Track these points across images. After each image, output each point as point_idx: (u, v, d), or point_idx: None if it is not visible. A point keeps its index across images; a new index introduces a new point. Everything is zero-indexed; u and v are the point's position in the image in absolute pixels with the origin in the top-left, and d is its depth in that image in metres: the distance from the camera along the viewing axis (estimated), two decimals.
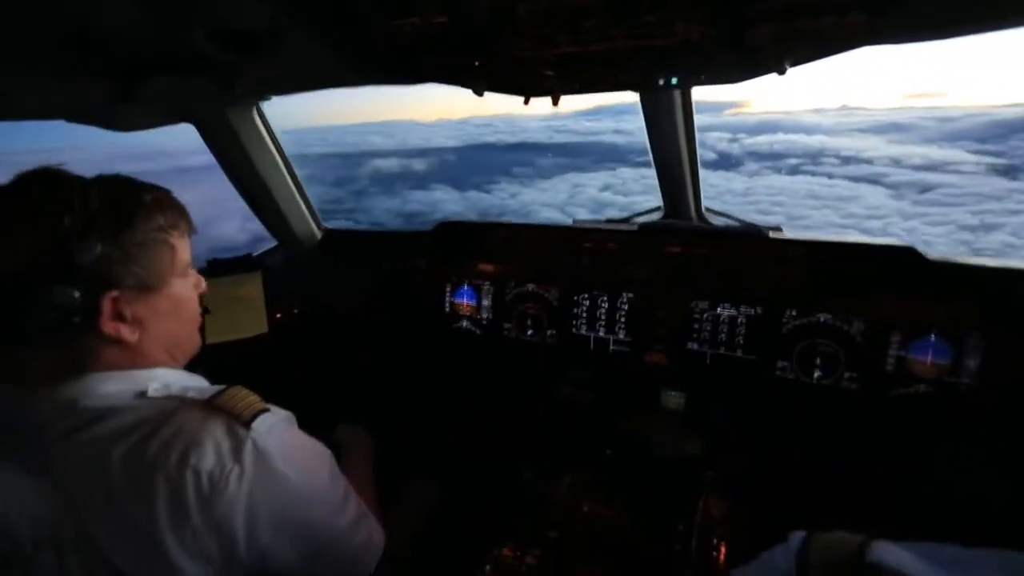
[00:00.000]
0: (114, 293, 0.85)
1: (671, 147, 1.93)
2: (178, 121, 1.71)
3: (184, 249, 0.97)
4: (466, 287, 2.16)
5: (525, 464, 1.78)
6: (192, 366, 1.06)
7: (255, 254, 2.26)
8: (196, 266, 1.05)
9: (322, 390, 2.08)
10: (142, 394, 0.87)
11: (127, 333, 0.88)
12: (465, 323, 2.17)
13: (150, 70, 1.22)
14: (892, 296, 1.58)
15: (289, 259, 2.35)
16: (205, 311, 1.08)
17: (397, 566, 1.27)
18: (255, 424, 0.87)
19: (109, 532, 0.81)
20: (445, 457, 1.73)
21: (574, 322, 1.98)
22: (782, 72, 1.14)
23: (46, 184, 0.84)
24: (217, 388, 0.92)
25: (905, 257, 1.57)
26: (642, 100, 1.82)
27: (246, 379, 0.97)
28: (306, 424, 1.06)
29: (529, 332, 2.07)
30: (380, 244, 2.34)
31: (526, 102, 1.33)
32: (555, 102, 1.31)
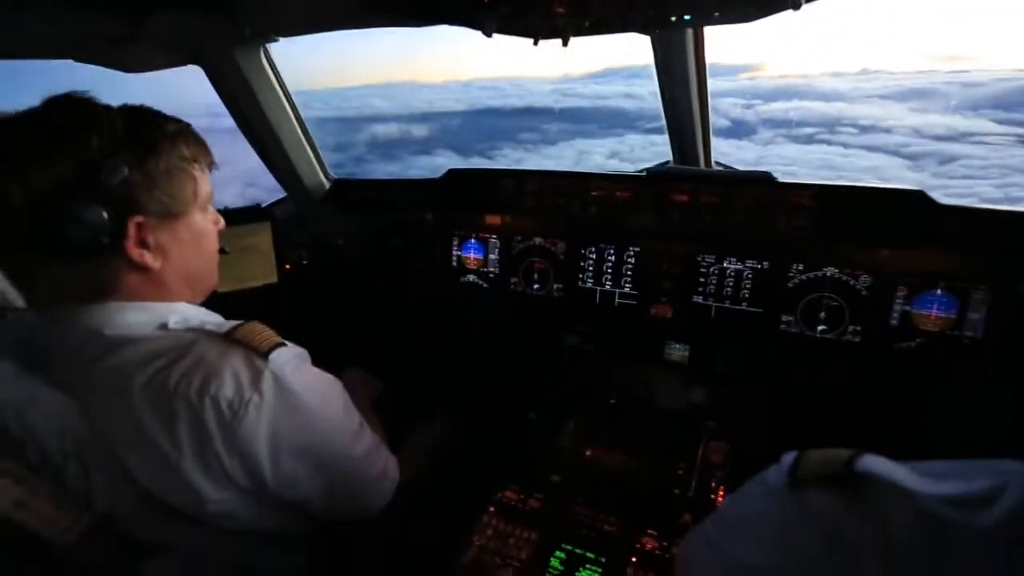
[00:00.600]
0: (139, 218, 0.87)
1: (682, 95, 1.90)
2: (186, 62, 1.69)
3: (205, 183, 1.00)
4: (473, 240, 2.18)
5: (531, 410, 1.83)
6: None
7: (264, 205, 2.28)
8: None
9: (331, 338, 2.13)
10: (163, 326, 0.91)
11: (150, 259, 0.90)
12: (472, 277, 2.20)
13: (155, 5, 1.21)
14: (900, 247, 1.58)
15: (298, 210, 2.36)
16: (223, 251, 1.11)
17: (403, 501, 1.32)
18: (273, 356, 0.90)
19: (134, 454, 0.86)
20: (453, 401, 1.77)
21: (580, 275, 2.00)
22: (797, 7, 1.12)
23: (75, 107, 0.85)
24: (235, 322, 0.95)
25: (915, 201, 1.56)
26: (653, 47, 1.79)
27: None
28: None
29: (535, 286, 2.09)
30: (389, 193, 2.34)
31: (535, 43, 1.31)
32: (565, 43, 1.29)
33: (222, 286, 1.84)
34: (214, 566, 1.00)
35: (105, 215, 0.83)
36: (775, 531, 0.66)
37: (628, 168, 2.16)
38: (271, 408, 0.89)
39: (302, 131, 2.15)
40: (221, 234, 1.10)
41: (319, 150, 2.28)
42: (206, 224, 1.02)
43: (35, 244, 0.81)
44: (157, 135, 0.90)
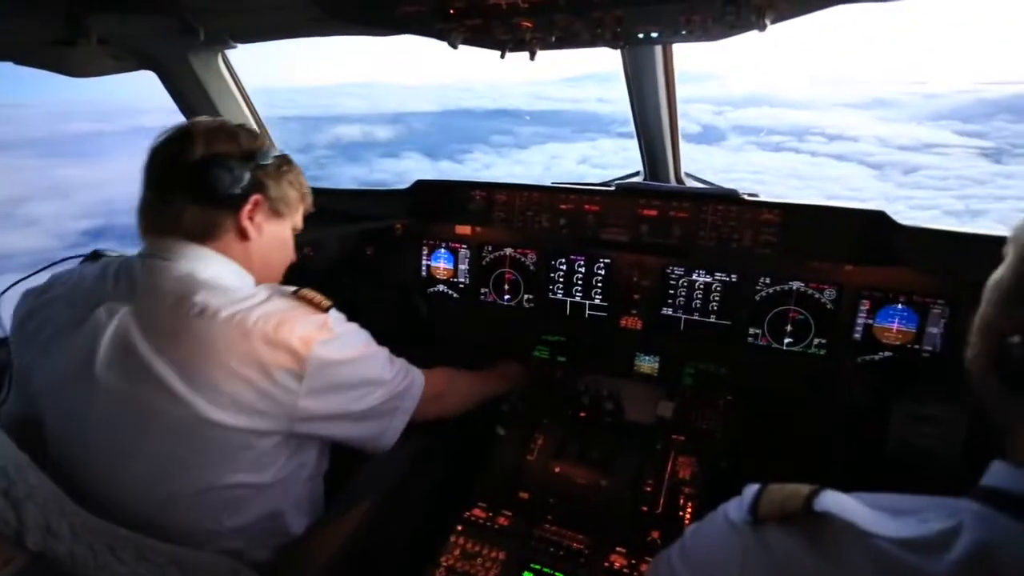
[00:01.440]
0: (259, 197, 1.19)
1: (652, 109, 1.92)
2: (136, 68, 1.63)
3: (300, 213, 1.34)
4: (443, 250, 2.15)
5: (498, 425, 1.81)
6: None
7: None
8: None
9: None
10: (243, 279, 1.18)
11: (252, 231, 1.19)
12: (441, 287, 2.17)
13: (99, 6, 1.16)
14: (863, 263, 1.62)
15: None
16: (301, 262, 1.43)
17: (371, 517, 1.34)
18: (331, 312, 1.16)
19: (207, 374, 1.01)
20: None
21: (551, 287, 2.00)
22: (762, 29, 1.14)
23: (250, 129, 1.27)
24: (295, 287, 1.18)
25: (877, 221, 1.60)
26: (623, 59, 1.80)
27: None
28: None
29: (506, 297, 2.08)
30: (357, 203, 2.30)
31: (502, 56, 1.30)
32: (532, 56, 1.29)
33: None
34: None
35: (248, 175, 1.16)
36: (737, 570, 0.66)
37: (598, 174, 2.16)
38: (336, 343, 1.13)
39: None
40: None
41: None
42: (289, 236, 1.33)
43: (189, 184, 1.11)
44: (292, 164, 1.30)
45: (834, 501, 0.63)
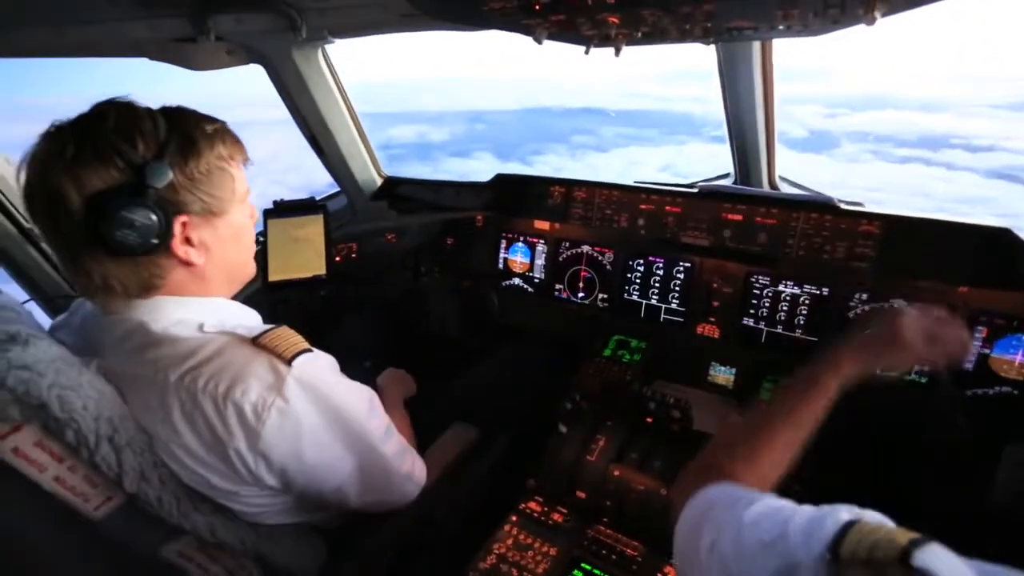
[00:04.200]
0: (184, 217, 0.95)
1: (746, 108, 1.85)
2: (248, 62, 1.84)
3: (242, 178, 1.06)
4: (520, 243, 2.20)
5: (562, 422, 1.82)
6: (256, 303, 1.17)
7: (319, 198, 2.39)
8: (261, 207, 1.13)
9: (372, 333, 2.21)
10: (200, 327, 0.99)
11: (195, 256, 0.98)
12: (517, 280, 2.22)
13: (218, 6, 1.33)
14: (982, 285, 1.47)
15: (351, 204, 2.47)
16: (258, 242, 1.17)
17: (426, 499, 1.36)
18: (296, 362, 0.96)
19: (163, 443, 0.95)
20: (484, 406, 1.80)
21: (627, 287, 1.98)
22: (871, 23, 1.07)
23: (120, 112, 0.92)
24: (266, 327, 1.02)
25: (1000, 240, 1.44)
26: (717, 54, 1.75)
27: (303, 318, 1.06)
28: (352, 365, 1.15)
29: (580, 295, 2.09)
30: (438, 193, 2.41)
31: (587, 51, 1.31)
32: (617, 52, 1.29)
33: (273, 275, 1.98)
34: (231, 552, 1.08)
35: (154, 217, 0.90)
36: None
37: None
38: (296, 411, 0.96)
39: (356, 128, 2.25)
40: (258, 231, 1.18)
41: (372, 147, 2.37)
42: (244, 218, 1.08)
43: (90, 242, 0.89)
44: (197, 136, 0.96)
45: (940, 560, 0.52)
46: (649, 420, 1.78)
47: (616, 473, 1.63)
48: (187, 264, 0.98)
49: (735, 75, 1.76)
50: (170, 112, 0.97)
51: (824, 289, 1.66)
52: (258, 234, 2.04)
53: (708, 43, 1.33)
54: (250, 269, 1.15)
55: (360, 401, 1.12)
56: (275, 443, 0.96)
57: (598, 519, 1.55)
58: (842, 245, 1.60)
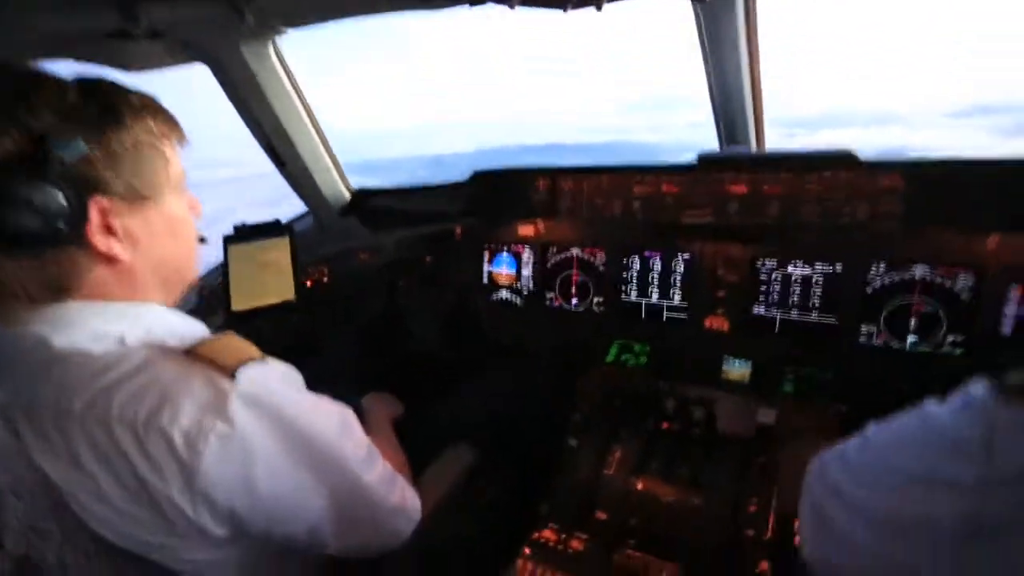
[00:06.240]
0: (103, 200, 0.77)
1: (732, 72, 1.74)
2: (191, 60, 1.66)
3: (177, 162, 0.89)
4: (505, 254, 2.07)
5: (571, 436, 1.66)
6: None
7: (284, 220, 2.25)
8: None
9: (352, 357, 2.03)
10: (121, 339, 0.79)
11: (119, 249, 0.80)
12: (504, 293, 2.09)
13: None
14: (1012, 232, 1.37)
15: (318, 222, 2.33)
16: (203, 240, 1.00)
17: (422, 540, 1.17)
18: (242, 374, 0.78)
19: (74, 491, 0.74)
20: (481, 426, 1.64)
21: (623, 288, 1.86)
22: None
23: (20, 77, 0.75)
24: (203, 336, 0.84)
25: None
26: (697, 17, 1.64)
27: (276, 350, 0.89)
28: (333, 392, 0.98)
29: (574, 301, 1.96)
30: (412, 201, 2.28)
31: (565, 10, 1.22)
32: (599, 7, 1.20)
33: (237, 305, 1.82)
34: None
35: (62, 197, 0.72)
36: (979, 442, 0.57)
37: None
38: (240, 438, 0.76)
39: (319, 137, 2.10)
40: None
41: (337, 157, 2.23)
42: (181, 209, 0.90)
43: None
44: (119, 105, 0.80)
45: None
46: (667, 425, 1.64)
47: (639, 486, 1.48)
48: (109, 260, 0.80)
49: (718, 34, 1.66)
50: (85, 79, 0.81)
51: (836, 265, 1.56)
52: (219, 265, 1.90)
53: None
54: (190, 272, 0.96)
55: (328, 418, 0.91)
56: (218, 479, 0.75)
57: (624, 541, 1.38)
58: (863, 206, 1.49)
